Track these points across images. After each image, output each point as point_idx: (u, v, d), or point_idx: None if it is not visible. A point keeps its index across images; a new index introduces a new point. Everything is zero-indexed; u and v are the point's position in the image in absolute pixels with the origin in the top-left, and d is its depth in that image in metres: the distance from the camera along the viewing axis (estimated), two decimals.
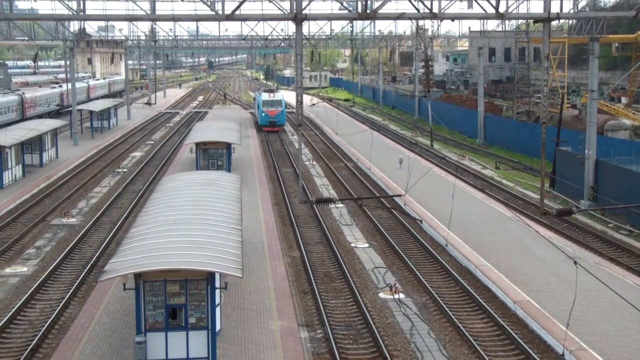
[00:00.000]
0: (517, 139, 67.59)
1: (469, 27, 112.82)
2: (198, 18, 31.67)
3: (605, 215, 40.75)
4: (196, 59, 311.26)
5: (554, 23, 44.29)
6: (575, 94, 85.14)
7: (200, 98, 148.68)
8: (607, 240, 36.44)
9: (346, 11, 32.27)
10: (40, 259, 32.81)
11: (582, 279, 24.73)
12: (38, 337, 23.47)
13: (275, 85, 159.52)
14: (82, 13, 28.01)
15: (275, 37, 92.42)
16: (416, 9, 27.05)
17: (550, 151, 47.77)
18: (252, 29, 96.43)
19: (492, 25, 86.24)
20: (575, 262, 21.66)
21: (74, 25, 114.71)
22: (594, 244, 35.85)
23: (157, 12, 28.20)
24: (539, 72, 77.69)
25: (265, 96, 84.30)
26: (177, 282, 20.72)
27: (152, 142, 75.78)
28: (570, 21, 79.78)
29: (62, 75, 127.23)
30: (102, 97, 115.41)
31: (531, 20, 30.93)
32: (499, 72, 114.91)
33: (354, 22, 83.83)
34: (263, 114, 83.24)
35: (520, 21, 79.11)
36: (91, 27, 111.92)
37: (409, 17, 27.92)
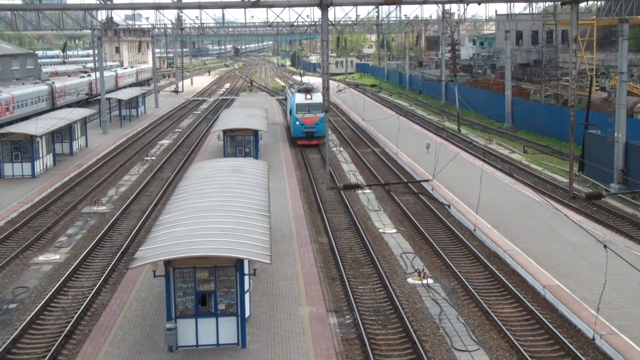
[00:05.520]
0: (545, 123, 67.06)
1: (496, 11, 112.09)
2: (224, 5, 31.77)
3: (635, 198, 40.39)
4: (222, 47, 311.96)
5: (582, 4, 43.79)
6: (604, 77, 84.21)
7: (227, 85, 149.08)
8: (638, 223, 36.11)
9: None
10: (71, 247, 33.23)
11: (613, 263, 24.59)
12: (71, 323, 23.82)
13: (302, 71, 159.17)
14: (109, 2, 28.23)
15: (301, 23, 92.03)
16: None
17: (578, 134, 47.39)
18: (277, 16, 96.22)
19: (519, 8, 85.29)
20: (605, 246, 21.54)
21: (102, 15, 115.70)
22: (624, 227, 35.55)
23: (184, 0, 28.32)
24: (567, 54, 76.97)
25: (299, 98, 63.02)
26: (207, 269, 20.91)
27: (180, 129, 76.18)
28: (599, 2, 78.76)
29: (91, 65, 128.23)
30: (130, 85, 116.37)
31: (559, 2, 30.59)
32: (527, 55, 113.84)
33: (380, 7, 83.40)
34: (297, 123, 62.11)
35: (547, 3, 78.14)
36: (118, 16, 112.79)
37: (435, 2, 27.81)
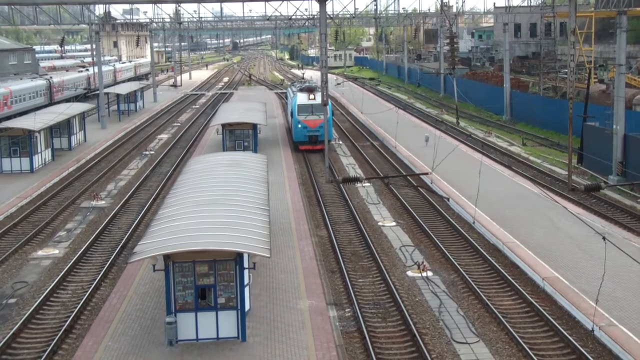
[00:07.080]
0: (544, 115, 67.04)
1: (494, 3, 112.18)
2: None
3: (634, 190, 40.41)
4: (221, 41, 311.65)
5: None
6: (602, 69, 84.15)
7: (226, 79, 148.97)
8: (636, 215, 36.15)
9: None
10: (71, 242, 33.22)
11: (611, 254, 24.62)
12: (71, 318, 23.83)
13: (301, 64, 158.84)
14: None
15: (299, 16, 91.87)
16: None
17: (577, 127, 47.37)
18: (276, 9, 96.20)
19: (517, 0, 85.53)
20: (604, 238, 21.57)
21: (99, 9, 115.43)
22: (623, 219, 35.58)
23: None
24: (566, 47, 76.83)
25: (301, 98, 56.58)
26: (206, 263, 20.92)
27: (179, 124, 76.13)
28: None
29: (89, 59, 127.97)
30: (129, 80, 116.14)
31: None
32: (525, 48, 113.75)
33: (378, 0, 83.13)
34: (299, 126, 55.87)
35: None
36: (116, 11, 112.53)
37: None
